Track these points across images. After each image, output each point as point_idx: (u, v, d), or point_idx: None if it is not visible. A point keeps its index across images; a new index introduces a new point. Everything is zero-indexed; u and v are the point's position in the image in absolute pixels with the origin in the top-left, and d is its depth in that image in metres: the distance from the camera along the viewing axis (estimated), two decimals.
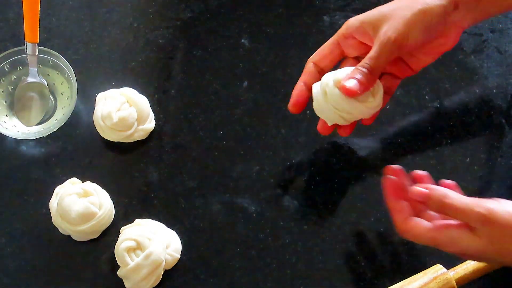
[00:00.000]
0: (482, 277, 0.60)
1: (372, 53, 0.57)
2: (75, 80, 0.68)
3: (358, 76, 0.56)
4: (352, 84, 0.56)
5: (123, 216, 0.66)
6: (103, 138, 0.68)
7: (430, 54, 0.61)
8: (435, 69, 0.74)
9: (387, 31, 0.56)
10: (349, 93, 0.56)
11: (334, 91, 0.57)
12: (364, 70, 0.56)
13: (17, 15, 0.76)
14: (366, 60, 0.57)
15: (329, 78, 0.58)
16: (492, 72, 0.74)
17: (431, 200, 0.52)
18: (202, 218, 0.66)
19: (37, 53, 0.68)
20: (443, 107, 0.72)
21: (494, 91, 0.73)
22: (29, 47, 0.67)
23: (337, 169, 0.68)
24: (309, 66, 0.62)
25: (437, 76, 0.74)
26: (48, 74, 0.71)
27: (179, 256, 0.63)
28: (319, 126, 0.64)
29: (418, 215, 0.54)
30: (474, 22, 0.60)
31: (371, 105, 0.58)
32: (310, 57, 0.63)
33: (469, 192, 0.67)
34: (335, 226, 0.66)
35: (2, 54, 0.69)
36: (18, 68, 0.70)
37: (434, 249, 0.64)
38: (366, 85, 0.56)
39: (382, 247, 0.65)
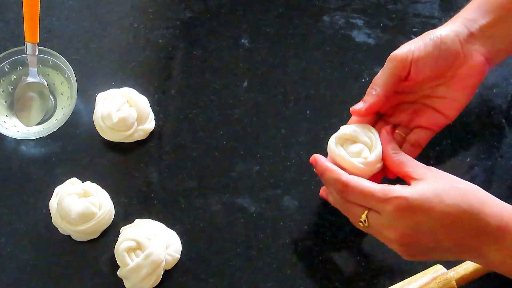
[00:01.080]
0: (482, 277, 0.60)
1: (378, 73, 0.58)
2: (75, 80, 0.68)
3: (366, 97, 0.58)
4: (358, 105, 0.58)
5: (123, 216, 0.66)
6: (103, 138, 0.68)
7: (456, 88, 0.58)
8: None
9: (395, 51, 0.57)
10: (354, 113, 0.59)
11: (331, 147, 0.58)
12: (371, 90, 0.57)
13: (17, 15, 0.76)
14: (373, 82, 0.58)
15: (333, 136, 0.59)
16: (492, 72, 0.74)
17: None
18: (202, 218, 0.66)
19: (37, 53, 0.68)
20: None
21: (494, 91, 0.73)
22: (29, 47, 0.67)
23: None
24: None
25: None
26: (48, 74, 0.71)
27: (179, 256, 0.63)
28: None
29: None
30: (498, 52, 0.59)
31: (366, 161, 0.56)
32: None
33: None
34: (335, 226, 0.66)
35: (2, 54, 0.69)
36: (18, 68, 0.70)
37: None
38: (371, 104, 0.57)
39: (382, 247, 0.64)
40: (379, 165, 0.57)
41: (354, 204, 0.54)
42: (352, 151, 0.57)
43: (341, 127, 0.59)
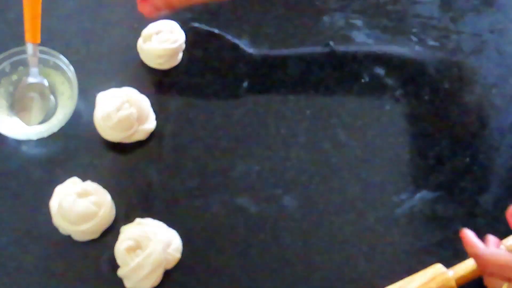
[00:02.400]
0: (482, 276, 0.60)
1: None
2: (75, 80, 0.68)
3: None
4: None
5: (124, 215, 0.66)
6: (104, 138, 0.69)
7: None
8: (435, 69, 0.74)
9: None
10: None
11: (141, 46, 0.72)
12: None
13: (18, 15, 0.76)
14: None
15: (139, 39, 0.73)
16: (492, 72, 0.74)
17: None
18: (202, 218, 0.66)
19: (38, 54, 0.68)
20: (443, 106, 0.72)
21: (494, 91, 0.73)
22: (29, 47, 0.67)
23: (337, 169, 0.68)
24: None
25: (437, 76, 0.74)
26: (49, 75, 0.71)
27: (180, 256, 0.63)
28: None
29: None
30: None
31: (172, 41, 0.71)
32: None
33: (468, 192, 0.67)
34: (335, 226, 0.66)
35: (2, 55, 0.69)
36: (19, 68, 0.70)
37: (434, 249, 0.64)
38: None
39: (382, 247, 0.65)
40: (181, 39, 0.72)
41: (494, 275, 0.54)
42: (161, 39, 0.71)
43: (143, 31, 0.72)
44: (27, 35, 0.67)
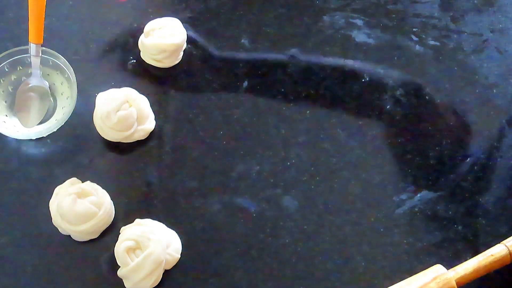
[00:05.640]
0: (482, 277, 0.60)
1: None
2: (75, 80, 0.68)
3: None
4: None
5: (123, 216, 0.66)
6: (103, 138, 0.69)
7: None
8: (435, 69, 0.74)
9: None
10: None
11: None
12: None
13: (17, 15, 0.76)
14: None
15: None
16: (492, 72, 0.74)
17: None
18: (202, 218, 0.66)
19: (40, 54, 0.68)
20: (443, 107, 0.72)
21: (494, 91, 0.73)
22: (33, 48, 0.67)
23: (337, 169, 0.68)
24: None
25: (437, 76, 0.74)
26: (48, 74, 0.71)
27: (179, 256, 0.63)
28: None
29: None
30: None
31: (171, 38, 0.71)
32: None
33: (468, 192, 0.67)
34: (335, 226, 0.66)
35: (2, 54, 0.69)
36: (18, 68, 0.70)
37: (434, 249, 0.64)
38: None
39: (382, 247, 0.65)
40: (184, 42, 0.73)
41: None
42: (163, 34, 0.71)
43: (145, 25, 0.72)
44: (31, 36, 0.66)
